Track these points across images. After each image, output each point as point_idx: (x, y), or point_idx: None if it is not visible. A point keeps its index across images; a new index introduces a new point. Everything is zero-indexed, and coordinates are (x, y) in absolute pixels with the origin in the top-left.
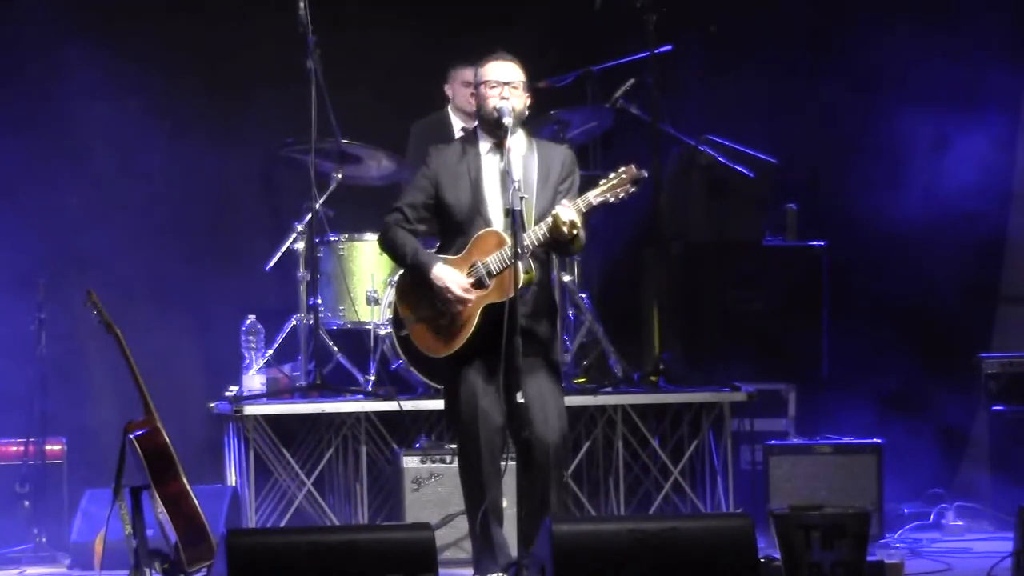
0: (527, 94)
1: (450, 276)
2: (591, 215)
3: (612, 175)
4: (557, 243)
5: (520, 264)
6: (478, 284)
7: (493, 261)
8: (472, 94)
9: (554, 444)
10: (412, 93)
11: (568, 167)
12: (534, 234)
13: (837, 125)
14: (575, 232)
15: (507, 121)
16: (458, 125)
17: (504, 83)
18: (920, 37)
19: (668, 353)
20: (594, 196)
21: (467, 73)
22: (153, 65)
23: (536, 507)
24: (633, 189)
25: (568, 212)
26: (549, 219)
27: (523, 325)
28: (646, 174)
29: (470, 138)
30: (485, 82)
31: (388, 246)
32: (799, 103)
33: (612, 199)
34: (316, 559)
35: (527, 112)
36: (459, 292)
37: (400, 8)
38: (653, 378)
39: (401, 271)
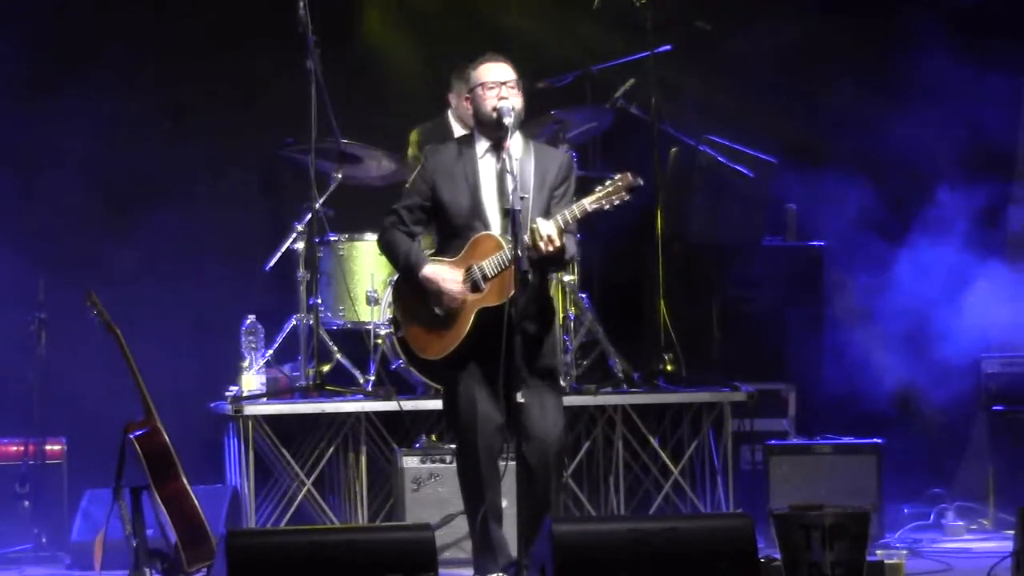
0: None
1: (440, 273)
2: (585, 220)
3: (608, 182)
4: (540, 257)
5: (520, 263)
6: (474, 287)
7: (489, 265)
8: (469, 101)
9: (553, 444)
10: (412, 93)
11: (564, 171)
12: (527, 238)
13: (838, 124)
14: (551, 248)
15: (508, 121)
16: (458, 131)
17: (502, 83)
18: (920, 36)
19: (668, 353)
20: (589, 203)
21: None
22: (152, 65)
23: (536, 507)
24: (628, 196)
25: (546, 226)
26: (528, 232)
27: (521, 326)
28: (642, 182)
29: (466, 140)
30: (482, 84)
31: (384, 249)
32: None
33: (607, 206)
34: (316, 559)
35: (523, 112)
36: (450, 288)
37: (400, 7)
38: (653, 378)
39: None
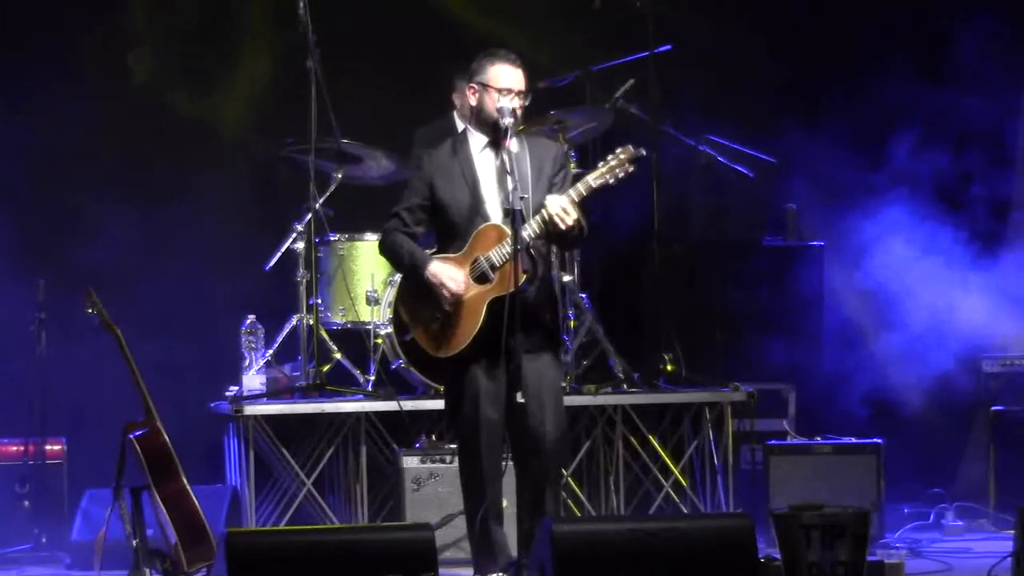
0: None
1: (445, 272)
2: (592, 198)
3: (610, 156)
4: (557, 236)
5: (520, 262)
6: (482, 278)
7: (495, 255)
8: (473, 92)
9: (553, 443)
10: (413, 92)
11: (560, 160)
12: (530, 227)
13: (837, 125)
14: (568, 221)
15: (507, 121)
16: None
17: (515, 92)
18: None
19: (668, 353)
20: (593, 179)
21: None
22: (152, 63)
23: (535, 508)
24: (632, 168)
25: (555, 202)
26: (539, 215)
27: (527, 318)
28: (644, 152)
29: (460, 137)
30: (498, 88)
31: (387, 251)
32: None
33: (612, 180)
34: (316, 559)
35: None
36: (453, 287)
37: (401, 7)
38: (653, 378)
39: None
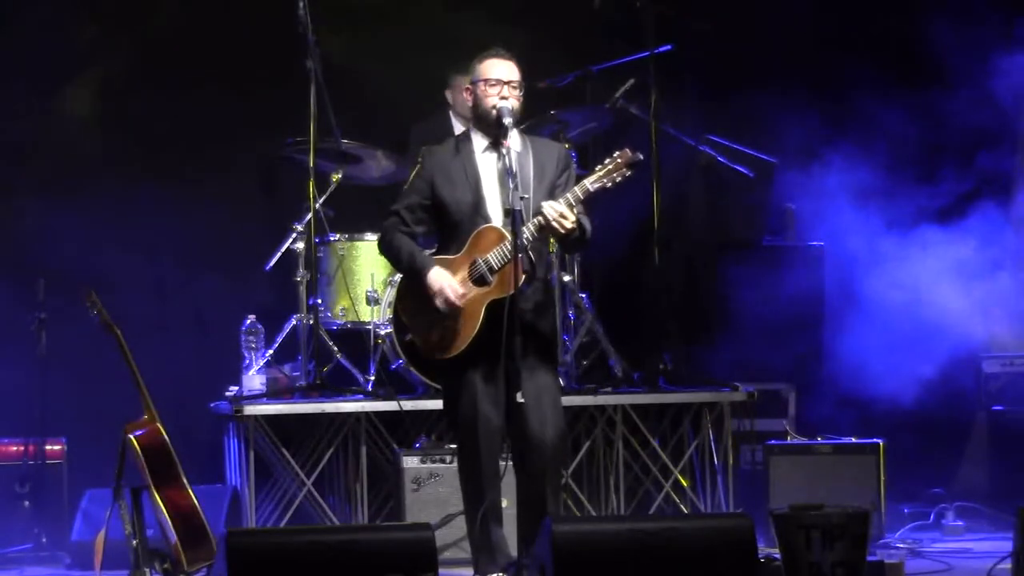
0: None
1: (445, 280)
2: (590, 201)
3: (608, 160)
4: (557, 240)
5: (520, 263)
6: (480, 281)
7: (494, 257)
8: (469, 93)
9: (552, 444)
10: (413, 92)
11: (563, 162)
12: (528, 230)
13: (837, 124)
14: (567, 224)
15: (507, 121)
16: (459, 128)
17: (504, 82)
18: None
19: (668, 353)
20: (591, 183)
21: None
22: (152, 64)
23: (536, 507)
24: (629, 172)
25: (552, 207)
26: (536, 219)
27: (525, 321)
28: (641, 156)
29: (463, 137)
30: (485, 80)
31: (386, 250)
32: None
33: (609, 184)
34: (316, 559)
35: (520, 113)
36: (451, 296)
37: (400, 7)
38: (653, 378)
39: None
